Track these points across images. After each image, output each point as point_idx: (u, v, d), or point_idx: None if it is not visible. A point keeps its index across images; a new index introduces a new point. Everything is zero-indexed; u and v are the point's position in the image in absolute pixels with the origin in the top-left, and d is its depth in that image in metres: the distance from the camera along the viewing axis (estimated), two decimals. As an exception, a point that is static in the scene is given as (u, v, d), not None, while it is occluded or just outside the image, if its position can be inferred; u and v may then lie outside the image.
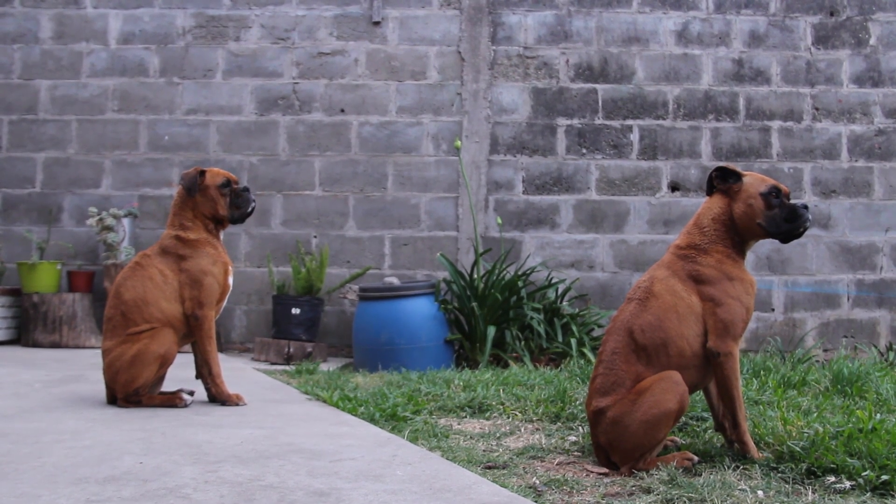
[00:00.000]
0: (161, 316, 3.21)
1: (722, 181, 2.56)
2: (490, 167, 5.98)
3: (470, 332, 5.21)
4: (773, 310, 5.91)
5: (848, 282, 5.93)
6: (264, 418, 2.98)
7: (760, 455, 2.39)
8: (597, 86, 6.02)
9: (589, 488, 2.15)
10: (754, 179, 2.53)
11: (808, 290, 5.91)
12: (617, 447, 2.32)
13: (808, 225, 2.50)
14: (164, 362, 3.20)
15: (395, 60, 6.05)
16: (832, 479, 2.15)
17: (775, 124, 6.00)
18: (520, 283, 5.27)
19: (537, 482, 2.20)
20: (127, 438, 2.50)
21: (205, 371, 3.32)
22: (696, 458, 2.34)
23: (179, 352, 3.33)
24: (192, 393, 3.29)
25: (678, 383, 2.28)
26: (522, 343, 5.06)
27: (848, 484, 2.12)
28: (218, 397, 3.30)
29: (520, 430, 2.91)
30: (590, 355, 4.78)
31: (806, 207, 2.50)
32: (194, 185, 3.34)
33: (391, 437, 2.68)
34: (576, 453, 2.57)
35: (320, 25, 6.07)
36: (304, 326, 5.52)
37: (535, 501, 2.03)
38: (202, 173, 3.38)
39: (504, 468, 2.36)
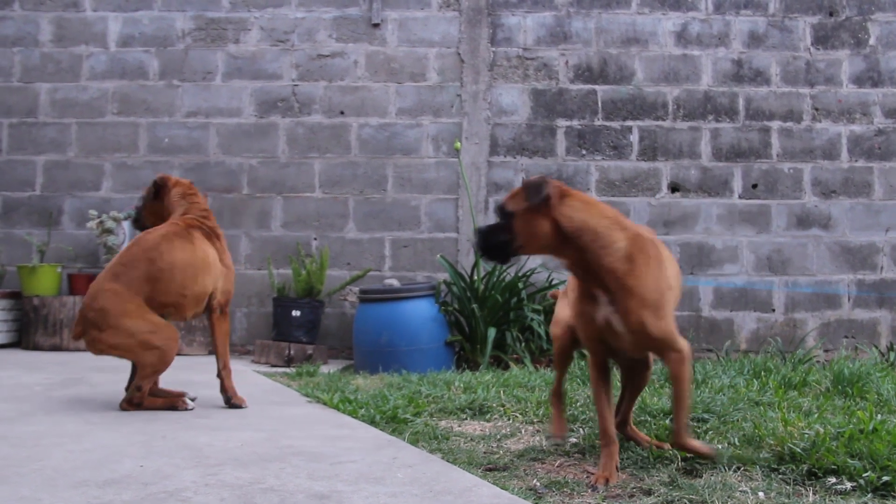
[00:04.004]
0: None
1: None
2: (490, 168, 5.98)
3: (470, 333, 5.20)
4: (773, 310, 5.90)
5: (848, 282, 5.92)
6: (265, 421, 2.98)
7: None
8: (596, 87, 6.02)
9: (589, 490, 2.15)
10: None
11: (809, 290, 5.91)
12: None
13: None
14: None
15: (395, 62, 6.05)
16: (833, 480, 2.15)
17: (775, 125, 6.00)
18: (520, 285, 5.26)
19: (538, 484, 2.19)
20: (127, 441, 2.50)
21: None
22: None
23: (181, 354, 3.33)
24: (194, 399, 3.29)
25: None
26: (523, 345, 5.06)
27: (849, 485, 2.11)
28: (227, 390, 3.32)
29: (520, 432, 2.91)
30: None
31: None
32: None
33: (392, 439, 2.68)
34: (576, 455, 2.57)
35: (320, 27, 6.07)
36: (305, 328, 5.52)
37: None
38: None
39: (504, 470, 2.36)
